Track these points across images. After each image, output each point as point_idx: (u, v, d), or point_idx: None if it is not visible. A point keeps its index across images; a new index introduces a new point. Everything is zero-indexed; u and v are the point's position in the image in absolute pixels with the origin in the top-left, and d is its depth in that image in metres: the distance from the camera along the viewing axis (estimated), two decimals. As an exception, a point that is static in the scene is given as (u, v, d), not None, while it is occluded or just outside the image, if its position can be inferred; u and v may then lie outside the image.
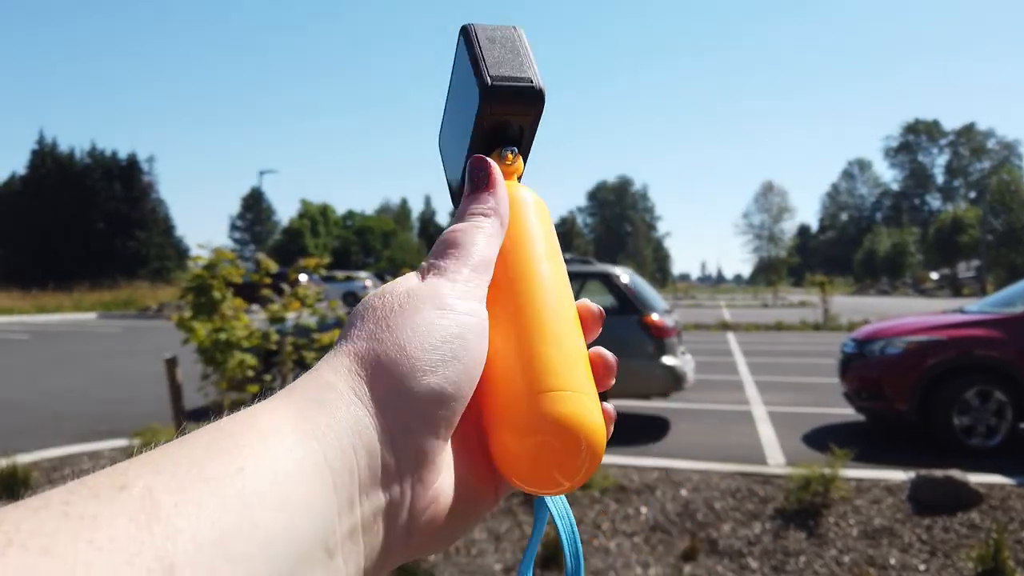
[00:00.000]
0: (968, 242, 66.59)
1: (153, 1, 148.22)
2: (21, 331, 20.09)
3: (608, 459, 5.22)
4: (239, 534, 0.25)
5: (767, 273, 65.37)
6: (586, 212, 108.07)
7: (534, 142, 0.46)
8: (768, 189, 71.88)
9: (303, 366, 5.74)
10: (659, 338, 6.73)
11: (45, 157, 54.36)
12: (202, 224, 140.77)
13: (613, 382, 0.41)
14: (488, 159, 0.43)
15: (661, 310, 7.01)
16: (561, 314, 0.40)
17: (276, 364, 4.70)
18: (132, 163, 55.56)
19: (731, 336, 17.71)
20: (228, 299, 4.38)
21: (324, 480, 0.29)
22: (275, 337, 4.55)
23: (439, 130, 0.50)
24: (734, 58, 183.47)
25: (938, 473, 4.41)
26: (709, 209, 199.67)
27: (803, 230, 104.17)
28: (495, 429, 0.37)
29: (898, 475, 4.79)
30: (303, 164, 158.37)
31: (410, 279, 0.38)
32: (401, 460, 0.32)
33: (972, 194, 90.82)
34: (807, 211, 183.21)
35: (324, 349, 4.59)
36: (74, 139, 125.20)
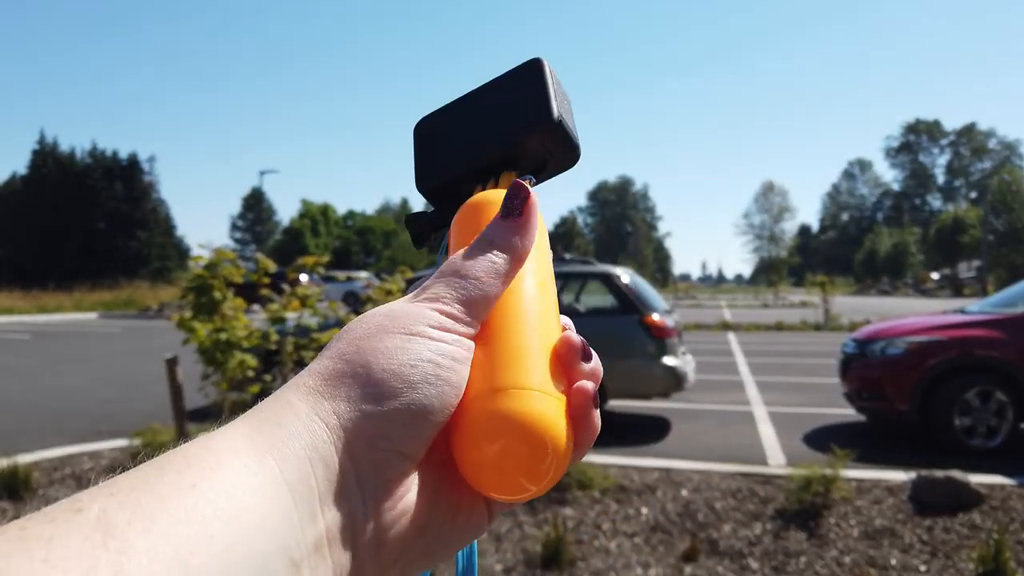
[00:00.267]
0: (969, 242, 66.54)
1: (155, 2, 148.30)
2: (22, 331, 20.10)
3: (608, 459, 5.22)
4: (195, 546, 0.25)
5: (768, 273, 65.26)
6: (587, 212, 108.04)
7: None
8: (769, 189, 71.76)
9: (303, 366, 5.75)
10: (660, 338, 6.73)
11: (46, 157, 54.37)
12: (203, 224, 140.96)
13: (587, 369, 0.38)
14: (530, 192, 0.41)
15: (662, 310, 7.00)
16: (531, 304, 0.39)
17: (276, 364, 4.70)
18: (133, 163, 55.56)
19: (732, 336, 17.70)
20: (229, 299, 4.38)
21: (281, 492, 0.29)
22: (275, 337, 4.55)
23: (429, 115, 0.49)
24: (734, 58, 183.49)
25: (939, 474, 4.40)
26: (710, 209, 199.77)
27: (804, 230, 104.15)
28: (455, 439, 0.35)
29: (899, 475, 4.78)
30: (304, 164, 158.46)
31: (399, 301, 0.37)
32: (362, 474, 0.32)
33: (973, 194, 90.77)
34: (808, 211, 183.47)
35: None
36: (75, 139, 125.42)
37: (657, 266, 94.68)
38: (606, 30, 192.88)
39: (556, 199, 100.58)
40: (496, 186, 0.45)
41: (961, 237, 67.74)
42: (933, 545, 3.89)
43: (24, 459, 5.03)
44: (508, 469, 0.34)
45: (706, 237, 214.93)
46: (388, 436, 0.33)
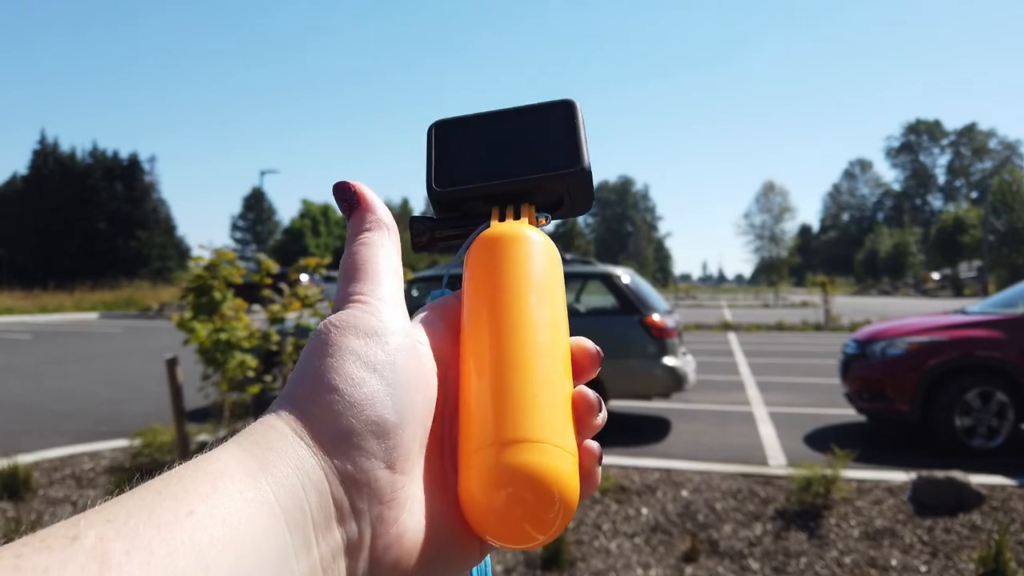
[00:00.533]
0: (970, 242, 66.48)
1: (154, 2, 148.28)
2: (23, 331, 20.11)
3: (609, 460, 5.21)
4: None
5: (768, 273, 65.22)
6: (587, 212, 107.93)
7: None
8: (769, 189, 71.73)
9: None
10: (660, 338, 6.72)
11: (47, 157, 54.40)
12: (203, 224, 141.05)
13: (598, 423, 0.38)
14: (351, 184, 0.42)
15: (662, 310, 6.99)
16: (546, 355, 0.38)
17: (277, 364, 4.70)
18: (134, 163, 55.61)
19: (732, 336, 17.69)
20: (229, 299, 4.37)
21: (276, 520, 0.29)
22: (275, 338, 4.55)
23: (449, 120, 0.49)
24: (735, 58, 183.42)
25: (939, 474, 4.40)
26: (710, 209, 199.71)
27: (804, 230, 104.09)
28: (462, 477, 0.35)
29: (899, 476, 4.78)
30: (304, 164, 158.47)
31: (336, 313, 0.37)
32: (355, 498, 0.32)
33: (974, 194, 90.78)
34: (808, 211, 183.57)
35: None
36: (76, 139, 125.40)
37: (658, 266, 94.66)
38: (607, 30, 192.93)
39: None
40: (515, 215, 0.45)
41: (962, 237, 67.68)
42: (934, 546, 3.89)
43: (24, 459, 5.03)
44: (516, 519, 0.33)
45: (707, 237, 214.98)
46: (369, 453, 0.32)
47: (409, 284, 6.25)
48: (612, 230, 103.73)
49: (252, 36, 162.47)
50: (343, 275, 0.39)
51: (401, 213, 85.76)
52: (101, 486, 4.77)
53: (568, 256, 7.72)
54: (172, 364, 4.38)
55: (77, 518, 0.26)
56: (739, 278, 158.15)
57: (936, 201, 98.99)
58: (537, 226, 0.45)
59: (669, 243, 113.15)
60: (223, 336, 4.26)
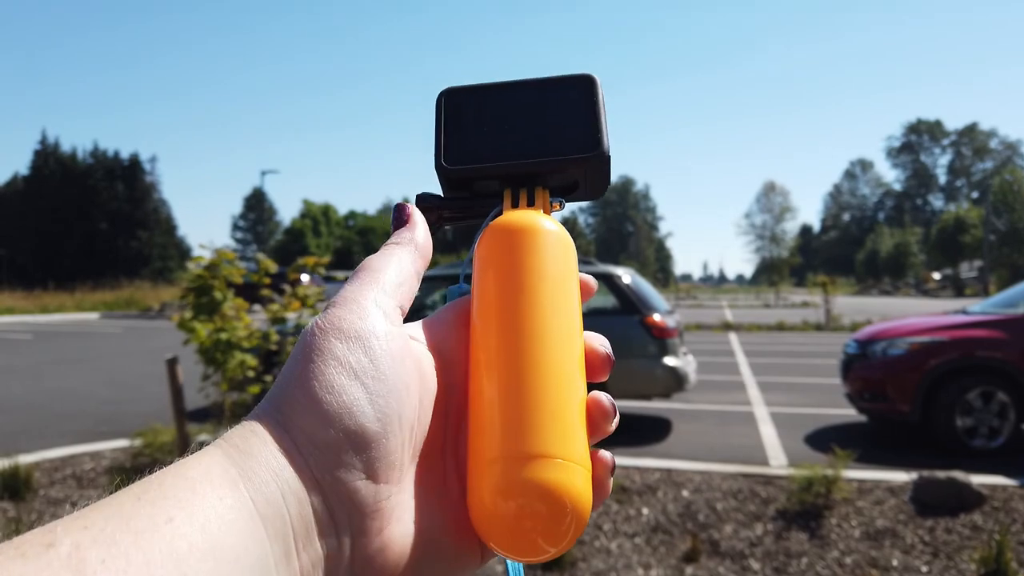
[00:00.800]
0: (971, 242, 66.47)
1: (156, 2, 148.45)
2: (24, 331, 20.13)
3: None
4: None
5: (769, 273, 65.32)
6: (588, 212, 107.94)
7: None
8: (770, 189, 71.82)
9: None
10: (661, 339, 6.72)
11: (48, 157, 54.46)
12: (204, 224, 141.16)
13: (611, 430, 0.37)
14: (409, 206, 0.41)
15: (663, 311, 7.00)
16: (562, 359, 0.36)
17: (276, 364, 4.70)
18: (134, 163, 55.67)
19: (733, 336, 17.69)
20: (229, 299, 4.37)
21: (255, 527, 0.28)
22: (275, 337, 4.55)
23: (460, 89, 0.46)
24: (736, 58, 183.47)
25: (940, 474, 4.39)
26: (711, 209, 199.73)
27: (805, 230, 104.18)
28: (475, 488, 0.34)
29: (900, 476, 4.78)
30: (305, 164, 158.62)
31: (324, 313, 0.36)
32: (335, 508, 0.31)
33: (975, 194, 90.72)
34: (809, 211, 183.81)
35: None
36: (77, 139, 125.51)
37: (658, 266, 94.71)
38: (610, 31, 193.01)
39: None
40: (528, 199, 0.43)
41: (963, 237, 67.66)
42: (935, 546, 3.88)
43: (25, 459, 5.03)
44: (528, 532, 0.33)
45: (707, 237, 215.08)
46: (349, 461, 0.31)
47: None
48: (613, 230, 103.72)
49: (253, 37, 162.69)
50: (352, 274, 0.39)
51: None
52: (102, 486, 4.77)
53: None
54: (172, 364, 4.38)
55: (54, 524, 0.26)
56: (740, 278, 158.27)
57: (937, 201, 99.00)
58: (551, 212, 0.43)
59: (670, 243, 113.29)
60: (223, 336, 4.26)
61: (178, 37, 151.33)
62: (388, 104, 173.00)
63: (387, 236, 0.42)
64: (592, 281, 0.41)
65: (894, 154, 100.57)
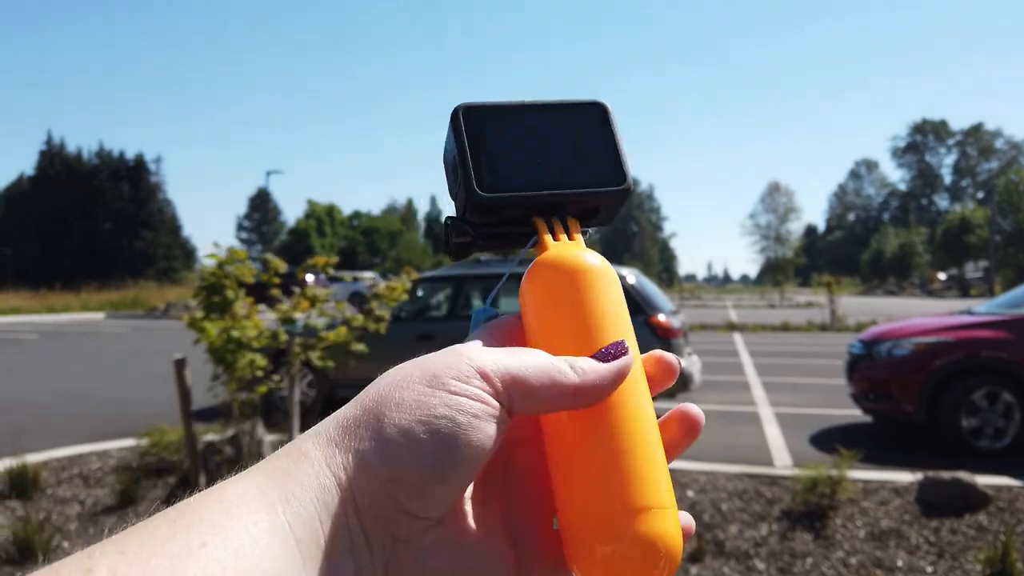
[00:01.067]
0: (976, 242, 66.18)
1: (161, 2, 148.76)
2: (30, 331, 20.19)
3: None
4: None
5: (774, 273, 65.00)
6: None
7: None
8: (775, 189, 71.51)
9: (310, 366, 5.75)
10: (665, 339, 6.72)
11: (53, 157, 54.59)
12: (209, 224, 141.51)
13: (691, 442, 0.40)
14: (628, 348, 0.38)
15: (667, 311, 7.00)
16: (642, 402, 0.37)
17: (284, 364, 4.71)
18: (139, 163, 55.75)
19: (738, 337, 17.66)
20: (241, 298, 4.39)
21: (290, 551, 0.28)
22: (284, 337, 4.57)
23: (477, 107, 0.45)
24: (741, 58, 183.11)
25: (946, 475, 4.39)
26: (715, 209, 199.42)
27: (810, 230, 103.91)
28: (581, 534, 0.35)
29: (905, 476, 4.77)
30: (309, 164, 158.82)
31: (448, 349, 0.36)
32: (371, 537, 0.31)
33: (980, 194, 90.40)
34: (814, 211, 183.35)
35: (329, 348, 4.60)
36: (82, 140, 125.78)
37: (663, 266, 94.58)
38: (612, 30, 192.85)
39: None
40: (564, 228, 0.44)
41: (968, 237, 67.38)
42: (940, 546, 3.88)
43: (32, 459, 5.06)
44: (624, 572, 0.35)
45: (712, 237, 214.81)
46: (394, 496, 0.31)
47: (414, 284, 6.26)
48: (617, 230, 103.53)
49: (257, 37, 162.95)
50: (508, 335, 0.39)
51: (406, 213, 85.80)
52: (109, 485, 4.79)
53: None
54: (180, 365, 4.40)
55: (92, 549, 0.26)
56: (744, 278, 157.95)
57: (942, 201, 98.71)
58: (579, 235, 0.44)
59: (674, 243, 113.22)
60: (234, 335, 4.27)
61: (184, 38, 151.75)
62: (392, 105, 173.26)
63: (390, 236, 0.40)
64: (671, 360, 0.41)
65: (899, 154, 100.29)
